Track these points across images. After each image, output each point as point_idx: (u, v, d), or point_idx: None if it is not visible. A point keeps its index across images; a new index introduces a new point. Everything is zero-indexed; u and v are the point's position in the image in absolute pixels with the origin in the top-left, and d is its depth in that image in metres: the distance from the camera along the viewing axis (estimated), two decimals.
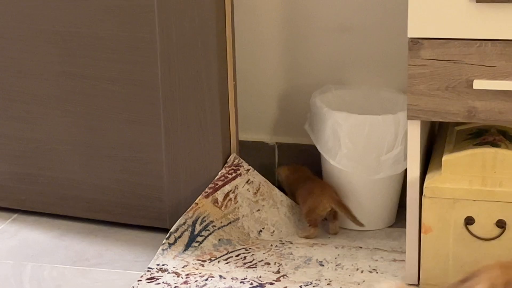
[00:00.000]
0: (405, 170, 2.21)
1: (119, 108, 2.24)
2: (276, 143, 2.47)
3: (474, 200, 1.87)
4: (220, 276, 2.06)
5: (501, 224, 1.86)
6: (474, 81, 1.82)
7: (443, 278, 1.92)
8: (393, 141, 2.19)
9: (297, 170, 2.34)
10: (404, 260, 2.07)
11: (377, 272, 2.06)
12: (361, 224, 2.22)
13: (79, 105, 2.26)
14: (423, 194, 1.90)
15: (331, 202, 2.21)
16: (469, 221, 1.88)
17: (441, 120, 1.88)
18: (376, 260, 2.11)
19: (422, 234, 1.92)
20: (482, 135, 1.97)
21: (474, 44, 1.82)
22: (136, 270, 2.11)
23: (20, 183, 2.37)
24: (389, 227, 2.30)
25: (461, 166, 1.90)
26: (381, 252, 2.15)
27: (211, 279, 2.04)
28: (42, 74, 2.26)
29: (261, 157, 2.43)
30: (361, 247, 2.18)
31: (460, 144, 1.96)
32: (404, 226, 2.15)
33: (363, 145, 2.19)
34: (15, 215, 2.39)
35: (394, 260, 2.11)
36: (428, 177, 1.92)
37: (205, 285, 2.02)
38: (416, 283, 1.99)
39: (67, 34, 2.21)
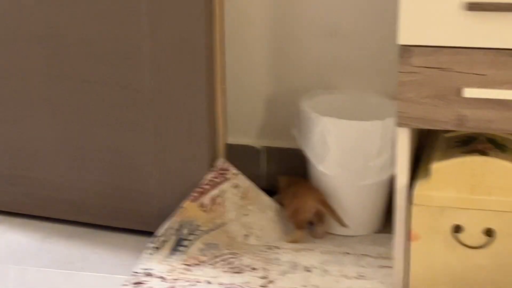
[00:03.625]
0: (392, 176, 2.21)
1: (106, 111, 2.22)
2: (264, 147, 2.46)
3: (463, 208, 1.87)
4: (207, 281, 2.04)
5: (489, 232, 1.86)
6: (464, 89, 1.82)
7: (431, 286, 1.91)
8: (381, 147, 2.18)
9: (294, 179, 2.33)
10: (391, 267, 2.07)
11: (364, 279, 2.06)
12: (346, 225, 2.22)
13: (66, 107, 2.25)
14: (412, 202, 1.90)
15: (316, 203, 2.21)
16: (457, 229, 1.88)
17: (430, 128, 1.88)
18: (363, 267, 2.11)
19: (410, 242, 1.91)
20: (471, 143, 1.97)
21: (464, 52, 1.81)
22: (122, 274, 2.10)
23: (4, 184, 2.35)
24: (376, 232, 2.29)
25: (450, 174, 1.89)
26: (368, 258, 2.15)
27: (198, 285, 2.03)
28: (29, 77, 2.24)
29: (248, 161, 2.42)
30: (348, 253, 2.18)
31: (449, 152, 1.96)
32: (390, 232, 2.15)
33: (351, 151, 2.19)
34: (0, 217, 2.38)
35: (381, 266, 2.11)
36: (417, 184, 1.92)
37: None
38: None
39: (55, 36, 2.19)
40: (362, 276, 2.07)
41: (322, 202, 2.21)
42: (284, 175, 2.36)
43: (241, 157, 2.37)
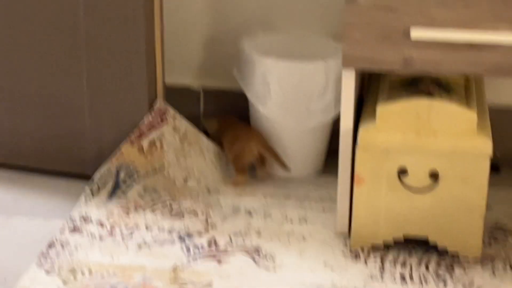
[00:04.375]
0: (335, 118, 2.18)
1: (38, 53, 2.13)
2: (203, 87, 2.40)
3: (408, 151, 1.85)
4: (147, 226, 2.00)
5: (433, 175, 1.85)
6: (412, 30, 1.79)
7: (374, 229, 1.90)
8: (323, 89, 2.15)
9: (225, 119, 2.28)
10: (333, 210, 2.05)
11: (306, 222, 2.03)
12: (288, 168, 2.19)
13: None
14: (357, 145, 1.87)
15: (258, 146, 2.17)
16: (402, 172, 1.86)
17: (376, 69, 1.84)
18: (306, 210, 2.08)
19: (354, 185, 1.89)
20: (415, 85, 1.94)
21: None
22: (58, 219, 2.03)
23: None
24: (317, 174, 2.27)
25: (395, 116, 1.87)
26: (310, 201, 2.12)
27: (137, 230, 1.98)
28: None
29: (187, 103, 2.36)
30: (290, 196, 2.15)
31: (393, 94, 1.93)
32: (332, 173, 2.13)
33: (293, 93, 2.14)
34: None
35: (323, 209, 2.09)
36: (361, 127, 1.89)
37: (131, 235, 1.96)
38: (347, 233, 1.97)
39: None
40: (305, 219, 2.04)
41: (264, 145, 2.17)
42: (210, 117, 2.31)
43: (180, 98, 2.30)
